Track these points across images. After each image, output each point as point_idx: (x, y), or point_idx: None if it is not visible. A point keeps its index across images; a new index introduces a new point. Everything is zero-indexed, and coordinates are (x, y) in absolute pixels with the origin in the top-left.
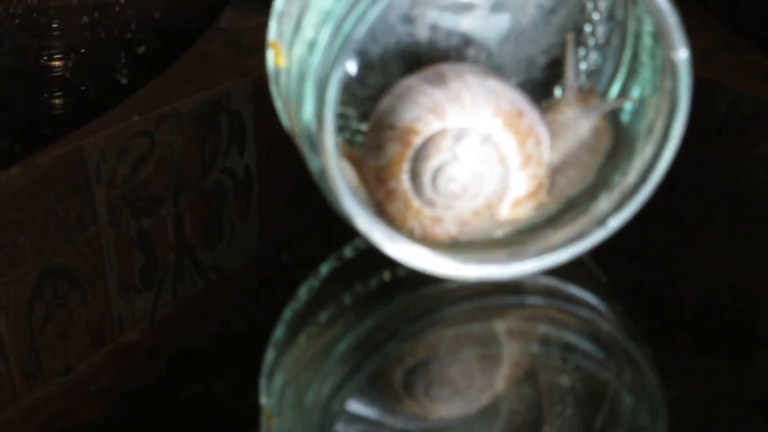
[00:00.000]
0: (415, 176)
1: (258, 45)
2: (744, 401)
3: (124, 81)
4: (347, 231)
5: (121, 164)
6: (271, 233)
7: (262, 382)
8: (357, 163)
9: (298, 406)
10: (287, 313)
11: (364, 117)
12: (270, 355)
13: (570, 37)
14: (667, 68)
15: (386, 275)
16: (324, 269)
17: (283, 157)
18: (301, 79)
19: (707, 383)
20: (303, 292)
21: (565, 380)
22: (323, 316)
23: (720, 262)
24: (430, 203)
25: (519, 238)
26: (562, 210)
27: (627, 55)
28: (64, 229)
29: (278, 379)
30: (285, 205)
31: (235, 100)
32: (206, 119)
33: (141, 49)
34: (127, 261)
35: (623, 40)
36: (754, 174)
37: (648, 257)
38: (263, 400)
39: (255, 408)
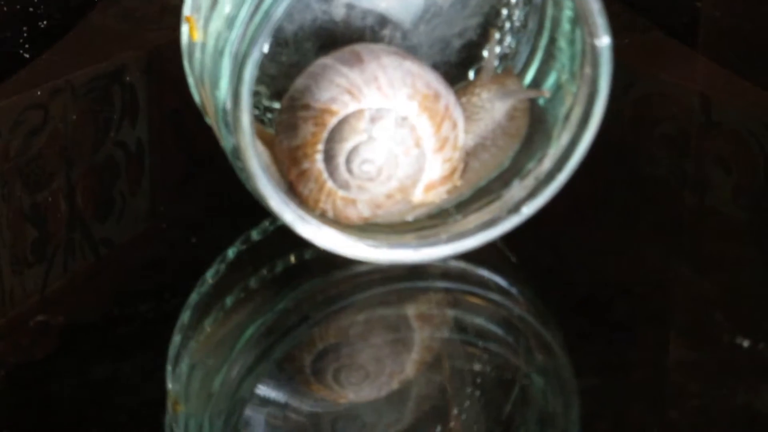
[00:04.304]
0: (329, 157)
1: (152, 17)
2: (657, 391)
3: (26, 56)
4: (238, 205)
5: (15, 137)
6: (162, 207)
7: (168, 368)
8: (267, 141)
9: (205, 391)
10: (193, 297)
11: (275, 95)
12: (176, 339)
13: (492, 20)
14: (588, 55)
15: (293, 259)
16: (231, 253)
17: (176, 131)
18: (218, 55)
19: (619, 374)
20: (209, 276)
21: (475, 364)
22: (230, 301)
23: (618, 244)
24: (344, 185)
25: (430, 222)
26: (474, 196)
27: (543, 40)
28: None
29: (184, 365)
30: (176, 179)
31: (128, 73)
32: (99, 92)
33: (43, 23)
34: (19, 234)
35: (540, 24)
36: (653, 154)
37: (546, 240)
38: (169, 385)
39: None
